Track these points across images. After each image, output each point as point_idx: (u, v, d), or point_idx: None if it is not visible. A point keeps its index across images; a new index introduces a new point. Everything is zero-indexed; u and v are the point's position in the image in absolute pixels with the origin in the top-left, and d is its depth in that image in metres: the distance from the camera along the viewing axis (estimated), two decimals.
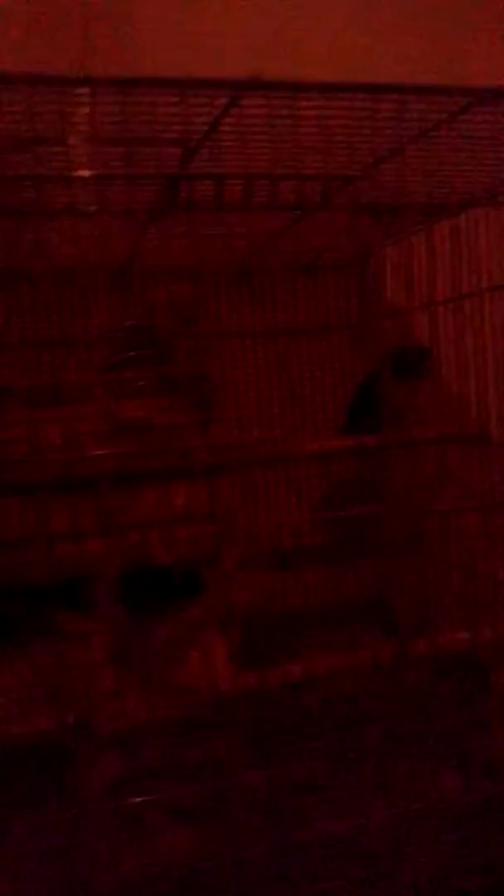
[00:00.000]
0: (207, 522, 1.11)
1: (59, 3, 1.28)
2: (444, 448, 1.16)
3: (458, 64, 1.53)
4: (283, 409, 1.39)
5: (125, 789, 0.83)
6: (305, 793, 0.90)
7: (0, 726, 0.85)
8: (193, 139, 0.86)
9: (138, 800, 0.79)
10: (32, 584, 0.95)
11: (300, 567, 1.35)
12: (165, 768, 0.85)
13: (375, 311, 1.38)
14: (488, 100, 0.78)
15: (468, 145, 0.91)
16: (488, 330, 1.13)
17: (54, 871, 0.77)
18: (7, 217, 0.93)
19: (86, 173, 0.91)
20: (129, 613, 0.94)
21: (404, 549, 1.31)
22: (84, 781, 0.81)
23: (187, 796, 0.82)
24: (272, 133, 0.83)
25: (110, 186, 0.97)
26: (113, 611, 0.94)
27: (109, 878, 0.76)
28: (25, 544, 1.01)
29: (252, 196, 0.87)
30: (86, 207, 1.00)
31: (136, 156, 0.91)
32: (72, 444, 1.04)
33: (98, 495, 1.03)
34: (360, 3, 1.48)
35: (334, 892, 0.78)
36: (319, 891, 0.77)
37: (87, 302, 1.22)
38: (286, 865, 0.80)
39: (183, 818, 0.82)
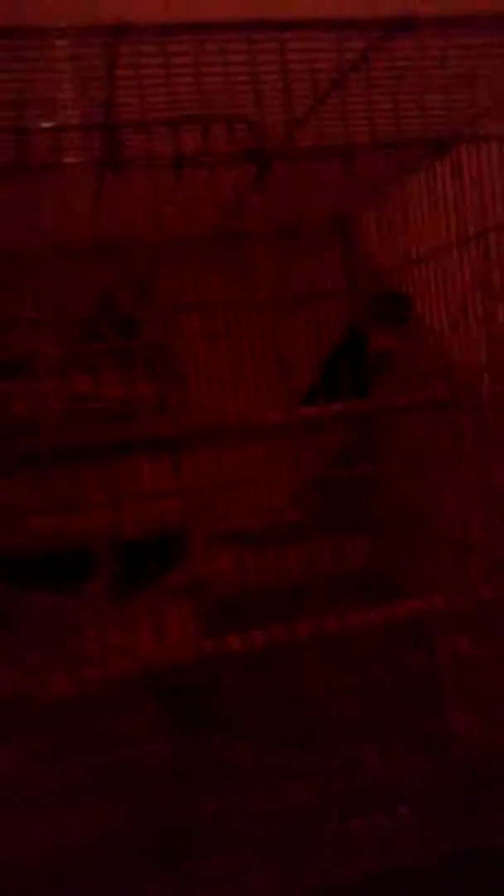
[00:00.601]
0: (173, 498, 1.09)
1: None
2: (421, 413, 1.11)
3: None
4: (269, 379, 1.35)
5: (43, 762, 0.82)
6: (238, 769, 0.87)
7: None
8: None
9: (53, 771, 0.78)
10: None
11: (284, 543, 1.32)
12: (85, 741, 0.84)
13: (363, 273, 1.33)
14: (399, 31, 0.72)
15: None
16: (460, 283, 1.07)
17: None
18: None
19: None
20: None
21: (399, 522, 1.27)
22: None
23: (98, 767, 0.81)
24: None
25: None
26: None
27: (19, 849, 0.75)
28: None
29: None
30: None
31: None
32: (34, 418, 1.04)
33: (56, 471, 1.03)
34: None
35: (257, 869, 0.75)
36: (243, 867, 0.75)
37: (49, 277, 1.21)
38: (213, 841, 0.78)
39: (97, 792, 0.81)
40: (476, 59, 0.83)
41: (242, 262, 1.32)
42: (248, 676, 0.98)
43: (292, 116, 0.76)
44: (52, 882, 0.71)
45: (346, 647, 1.00)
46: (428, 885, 0.71)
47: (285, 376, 1.37)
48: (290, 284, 1.34)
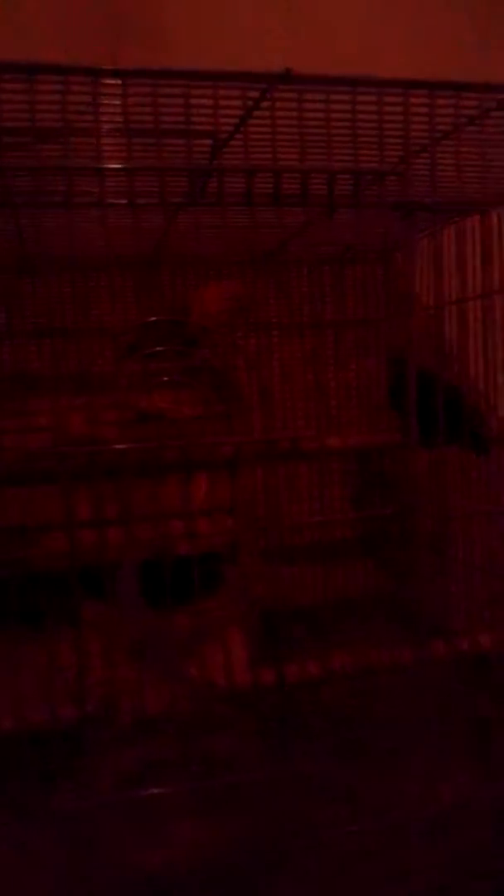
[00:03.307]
0: (228, 516, 1.11)
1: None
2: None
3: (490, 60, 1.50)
4: (309, 402, 1.38)
5: (138, 781, 0.83)
6: (321, 790, 0.90)
7: (17, 713, 0.86)
8: (223, 132, 0.86)
9: (152, 791, 0.79)
10: (54, 573, 0.96)
11: (322, 561, 1.35)
12: (179, 761, 0.86)
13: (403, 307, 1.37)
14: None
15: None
16: None
17: (65, 862, 0.77)
18: (36, 208, 0.93)
19: (115, 165, 0.91)
20: (148, 605, 0.94)
21: (428, 549, 1.31)
22: (98, 771, 0.81)
23: (199, 790, 0.83)
24: (301, 127, 0.83)
25: (139, 177, 0.96)
26: (134, 602, 0.94)
27: (121, 870, 0.76)
28: (48, 532, 1.01)
29: (281, 191, 0.86)
30: (115, 199, 1.00)
31: (165, 147, 0.90)
32: (95, 434, 1.05)
33: (120, 486, 1.04)
34: None
35: (344, 887, 0.78)
36: (335, 888, 0.77)
37: (115, 292, 1.22)
38: (303, 863, 0.80)
39: (197, 811, 0.83)
40: None
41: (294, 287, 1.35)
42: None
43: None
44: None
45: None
46: None
47: (322, 398, 1.40)
48: (337, 310, 1.38)
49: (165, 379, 1.09)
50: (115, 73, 0.76)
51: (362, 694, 1.01)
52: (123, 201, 0.93)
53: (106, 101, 0.84)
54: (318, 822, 0.85)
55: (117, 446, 1.00)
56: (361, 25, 1.46)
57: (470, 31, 1.51)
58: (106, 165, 0.87)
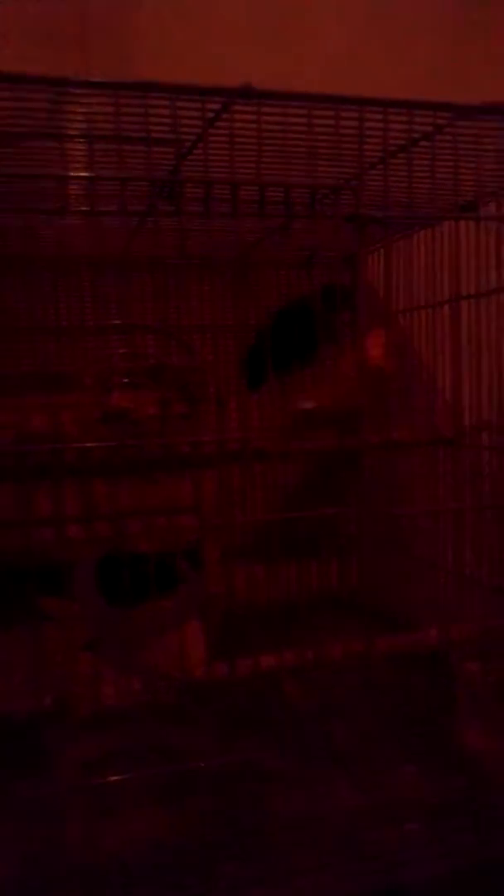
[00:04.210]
0: (190, 514, 1.14)
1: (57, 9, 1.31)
2: (416, 450, 1.18)
3: (467, 73, 1.54)
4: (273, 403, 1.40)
5: (97, 769, 0.86)
6: (273, 779, 0.93)
7: None
8: (185, 142, 0.88)
9: (110, 779, 0.82)
10: (14, 568, 0.98)
11: (280, 561, 1.38)
12: (137, 751, 0.89)
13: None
14: (471, 115, 0.80)
15: (451, 157, 0.94)
16: (465, 336, 1.15)
17: (25, 850, 0.80)
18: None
19: (80, 173, 0.93)
20: (108, 600, 0.97)
21: (380, 547, 1.34)
22: (58, 761, 0.84)
23: (157, 778, 0.85)
24: (260, 140, 0.85)
25: (105, 183, 0.99)
26: (91, 597, 0.97)
27: (80, 856, 0.79)
28: (8, 529, 1.03)
29: (239, 201, 0.89)
30: (78, 206, 1.02)
31: (128, 156, 0.93)
32: (58, 433, 1.07)
33: (82, 483, 1.06)
34: (361, 13, 1.50)
35: (299, 871, 0.81)
36: (285, 871, 0.80)
37: (81, 292, 1.24)
38: (253, 847, 0.83)
39: (153, 799, 0.86)
40: None
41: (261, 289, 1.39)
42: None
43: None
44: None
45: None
46: None
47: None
48: None
49: (129, 377, 1.11)
50: (77, 84, 0.78)
51: (317, 687, 1.04)
52: (86, 208, 0.95)
53: (73, 109, 0.87)
54: (272, 808, 0.88)
55: (79, 444, 1.03)
56: (347, 40, 1.50)
57: (447, 51, 1.55)
58: (69, 173, 0.89)
